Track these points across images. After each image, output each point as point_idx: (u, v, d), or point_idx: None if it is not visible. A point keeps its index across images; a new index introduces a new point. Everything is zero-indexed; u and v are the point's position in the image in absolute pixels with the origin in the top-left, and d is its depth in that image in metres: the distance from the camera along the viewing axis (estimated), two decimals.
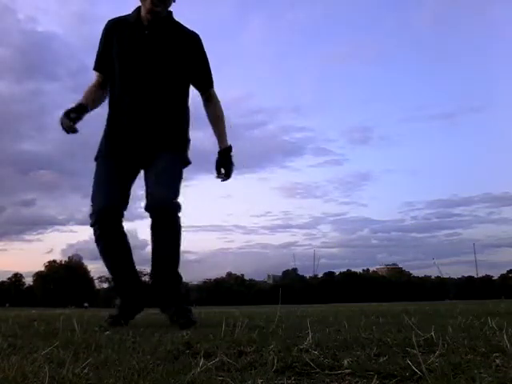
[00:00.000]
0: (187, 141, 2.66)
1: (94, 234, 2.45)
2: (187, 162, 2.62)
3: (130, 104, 2.49)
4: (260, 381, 0.92)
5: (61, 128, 2.39)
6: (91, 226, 2.44)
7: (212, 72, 2.63)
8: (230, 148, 2.60)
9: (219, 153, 2.59)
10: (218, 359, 1.13)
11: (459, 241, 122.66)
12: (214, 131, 2.63)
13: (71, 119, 2.38)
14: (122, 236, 2.51)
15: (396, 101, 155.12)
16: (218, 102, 2.67)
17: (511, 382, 0.87)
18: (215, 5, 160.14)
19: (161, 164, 2.46)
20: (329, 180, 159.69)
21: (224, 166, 2.57)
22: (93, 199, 2.45)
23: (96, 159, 2.57)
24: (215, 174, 2.58)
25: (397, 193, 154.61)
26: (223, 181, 2.58)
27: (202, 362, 1.07)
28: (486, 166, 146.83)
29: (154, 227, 2.43)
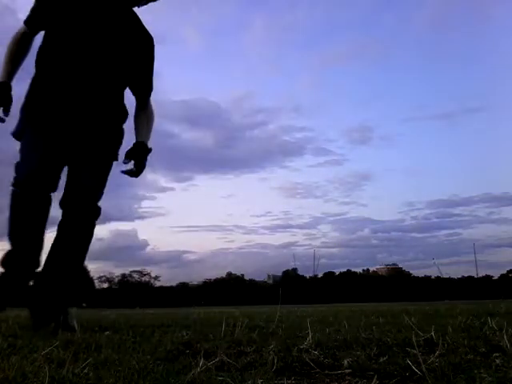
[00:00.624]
0: (121, 136, 2.41)
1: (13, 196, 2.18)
2: (115, 159, 2.36)
3: (68, 74, 2.18)
4: (260, 381, 0.93)
5: None
6: (12, 186, 2.18)
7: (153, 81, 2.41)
8: (149, 148, 2.35)
9: (138, 143, 2.32)
10: (217, 359, 1.13)
11: (459, 241, 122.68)
12: (137, 130, 2.40)
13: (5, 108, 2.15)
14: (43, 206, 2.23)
15: (396, 101, 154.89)
16: (153, 112, 2.49)
17: (511, 382, 0.87)
18: (217, 5, 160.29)
19: (90, 162, 2.25)
20: (329, 180, 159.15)
21: (136, 158, 2.28)
22: (18, 167, 2.18)
23: (15, 134, 2.24)
24: (123, 160, 2.26)
25: (397, 193, 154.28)
26: (128, 172, 2.27)
27: (201, 361, 1.07)
28: (486, 166, 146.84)
29: (63, 224, 2.22)
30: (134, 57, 2.31)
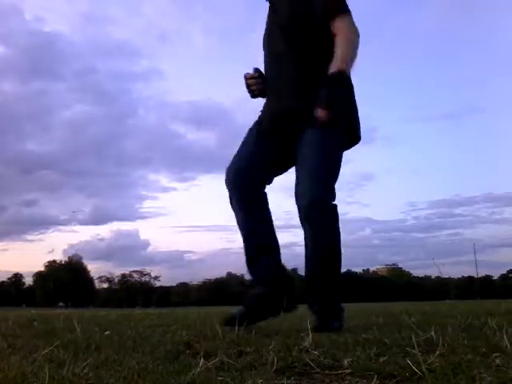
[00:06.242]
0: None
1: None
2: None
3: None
4: (260, 381, 0.92)
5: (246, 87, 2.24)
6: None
7: None
8: (337, 74, 1.91)
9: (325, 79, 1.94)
10: (217, 359, 1.13)
11: (460, 241, 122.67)
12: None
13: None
14: (255, 206, 2.13)
15: (400, 101, 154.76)
16: (348, 33, 2.02)
17: (511, 382, 0.87)
18: (223, 4, 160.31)
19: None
20: None
21: (321, 97, 1.90)
22: (229, 164, 2.20)
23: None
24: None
25: (399, 193, 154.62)
26: (320, 121, 1.90)
27: (201, 361, 1.07)
28: (489, 166, 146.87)
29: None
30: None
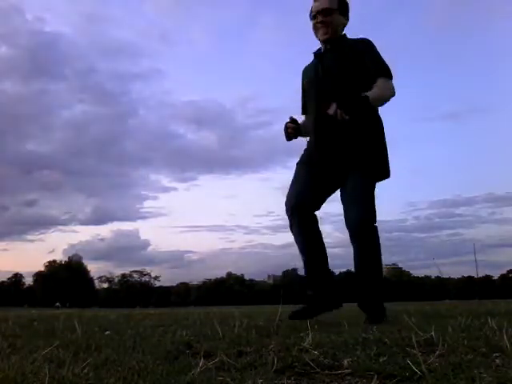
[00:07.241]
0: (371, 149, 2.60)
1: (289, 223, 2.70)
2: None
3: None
4: (260, 381, 0.92)
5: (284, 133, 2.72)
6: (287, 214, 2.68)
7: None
8: (362, 97, 2.38)
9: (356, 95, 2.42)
10: (217, 359, 1.13)
11: (461, 241, 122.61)
12: None
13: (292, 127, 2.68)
14: (310, 229, 2.64)
15: (401, 101, 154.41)
16: (386, 88, 2.52)
17: (511, 382, 0.87)
18: (225, 4, 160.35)
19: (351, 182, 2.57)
20: None
21: (344, 101, 2.36)
22: (287, 196, 2.69)
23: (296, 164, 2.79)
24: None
25: (400, 193, 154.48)
26: (332, 112, 2.36)
27: (201, 362, 1.07)
28: (489, 166, 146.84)
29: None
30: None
